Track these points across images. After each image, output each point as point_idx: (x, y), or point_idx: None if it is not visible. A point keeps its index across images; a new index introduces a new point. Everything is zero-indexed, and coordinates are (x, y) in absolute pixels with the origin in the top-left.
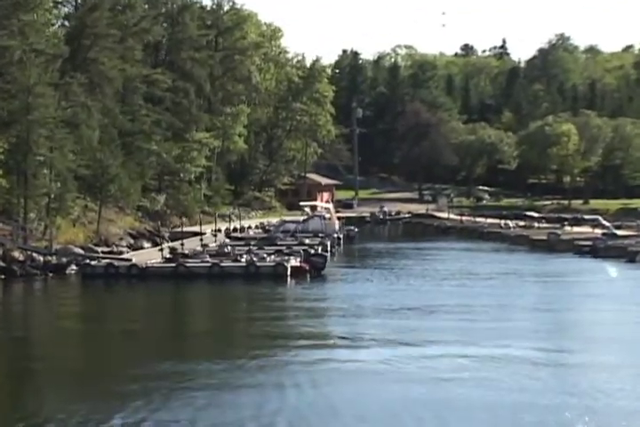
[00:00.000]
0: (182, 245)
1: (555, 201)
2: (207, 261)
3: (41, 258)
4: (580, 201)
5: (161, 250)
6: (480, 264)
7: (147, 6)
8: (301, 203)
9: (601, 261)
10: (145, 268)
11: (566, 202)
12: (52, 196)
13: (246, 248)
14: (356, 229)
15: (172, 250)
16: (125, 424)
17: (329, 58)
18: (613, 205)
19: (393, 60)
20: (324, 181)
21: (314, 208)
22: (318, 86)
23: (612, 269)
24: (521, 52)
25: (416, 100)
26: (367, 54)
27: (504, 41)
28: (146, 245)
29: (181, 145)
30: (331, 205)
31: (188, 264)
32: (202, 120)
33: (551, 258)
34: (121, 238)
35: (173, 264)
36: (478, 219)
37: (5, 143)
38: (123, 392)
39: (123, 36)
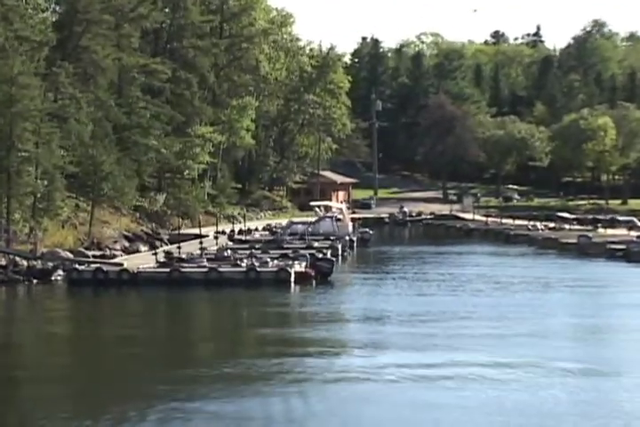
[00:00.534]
0: (179, 248)
1: (590, 201)
2: (204, 266)
3: (25, 262)
4: (618, 201)
5: (155, 254)
6: (500, 270)
7: None
8: (312, 203)
9: (635, 266)
10: (137, 273)
11: (603, 202)
12: (39, 195)
13: (249, 252)
14: (371, 232)
15: (168, 254)
16: None
17: (347, 46)
18: None
19: (417, 48)
20: (340, 179)
21: (328, 209)
22: (333, 76)
23: None
24: (556, 40)
25: (441, 92)
26: (389, 42)
27: (538, 28)
28: (143, 248)
29: (183, 140)
30: (344, 206)
31: (183, 269)
32: (205, 113)
33: (581, 263)
34: (115, 241)
35: (167, 269)
36: (505, 220)
37: None
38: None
39: (118, 22)
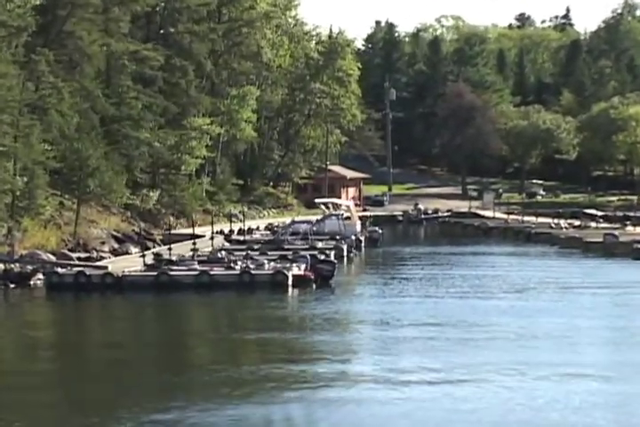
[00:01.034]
0: (170, 249)
1: (622, 197)
2: (195, 269)
3: (1, 266)
4: None
5: (143, 256)
6: (516, 272)
7: None
8: (317, 200)
9: None
10: (121, 277)
11: (635, 198)
12: (18, 193)
13: (245, 253)
14: (381, 231)
15: (157, 256)
16: None
17: (360, 32)
18: None
19: (435, 32)
20: (350, 174)
21: (336, 206)
22: (342, 63)
23: None
24: (587, 23)
25: (460, 80)
26: (405, 26)
27: (567, 9)
28: (133, 250)
29: (178, 133)
30: (351, 203)
31: (171, 272)
32: (202, 104)
33: (605, 264)
34: (103, 242)
35: (154, 273)
36: (527, 218)
37: None
38: None
39: (106, 5)
